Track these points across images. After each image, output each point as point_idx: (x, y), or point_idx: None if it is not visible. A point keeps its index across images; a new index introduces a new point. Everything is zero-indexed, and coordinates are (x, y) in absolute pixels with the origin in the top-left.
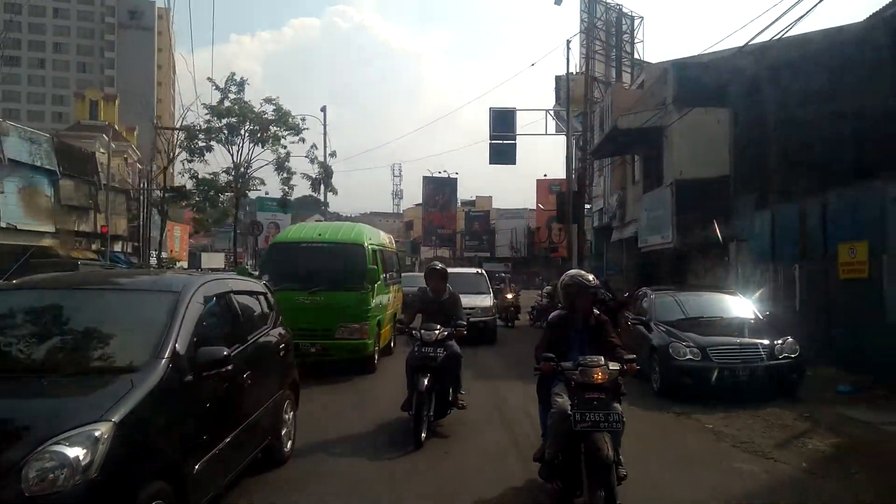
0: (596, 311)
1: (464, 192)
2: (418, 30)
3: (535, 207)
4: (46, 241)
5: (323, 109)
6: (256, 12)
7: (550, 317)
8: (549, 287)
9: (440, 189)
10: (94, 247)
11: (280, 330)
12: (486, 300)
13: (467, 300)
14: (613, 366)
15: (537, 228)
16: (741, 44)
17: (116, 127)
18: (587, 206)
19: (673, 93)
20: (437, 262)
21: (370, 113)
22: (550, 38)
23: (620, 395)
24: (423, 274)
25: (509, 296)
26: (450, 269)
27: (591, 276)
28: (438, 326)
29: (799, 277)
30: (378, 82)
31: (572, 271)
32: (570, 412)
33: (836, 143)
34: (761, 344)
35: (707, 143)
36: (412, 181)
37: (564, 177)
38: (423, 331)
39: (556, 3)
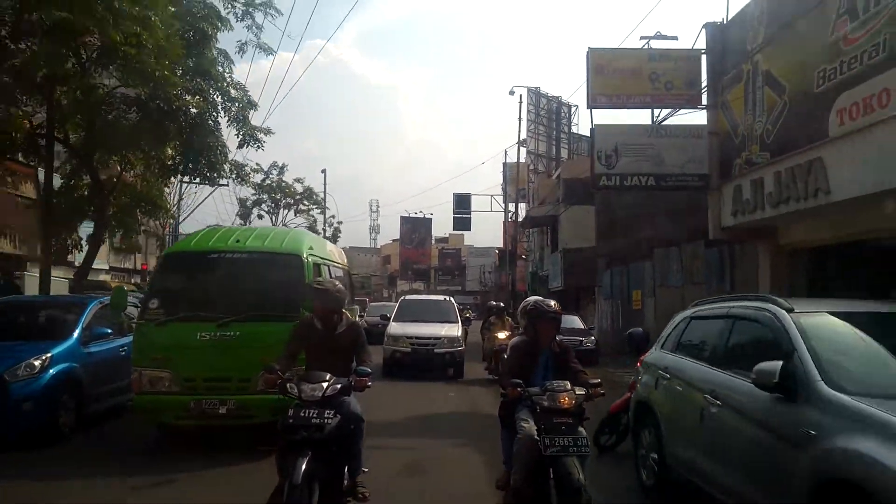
0: (558, 338)
1: (438, 226)
2: (396, 65)
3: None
4: (102, 277)
5: (323, 172)
6: (230, 48)
7: (513, 342)
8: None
9: (416, 228)
10: (133, 280)
11: None
12: (454, 329)
13: (434, 329)
14: (579, 391)
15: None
16: None
17: None
18: (524, 257)
19: (561, 194)
20: (323, 280)
21: (349, 145)
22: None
23: (583, 419)
24: (397, 303)
25: (501, 335)
26: (417, 297)
27: (552, 302)
28: (328, 376)
29: (616, 307)
30: (356, 115)
31: (534, 298)
32: (537, 437)
33: (657, 226)
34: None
35: (582, 226)
36: (389, 214)
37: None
38: (302, 384)
39: (509, 94)
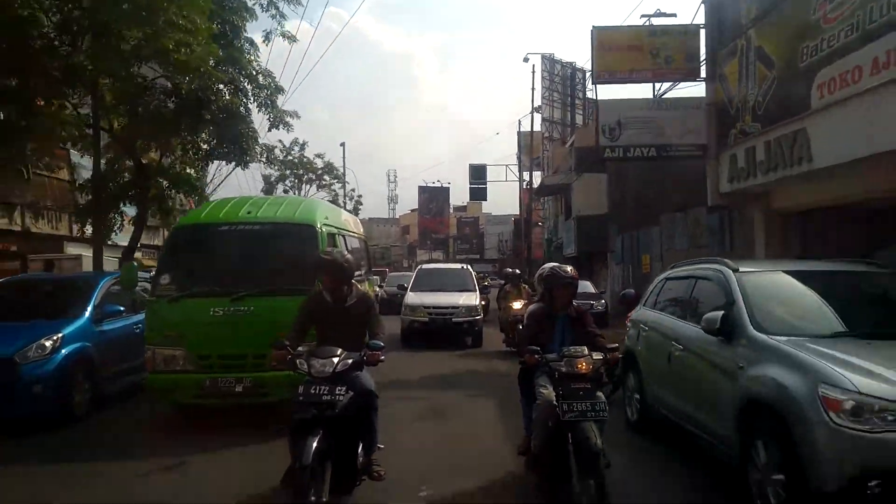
0: (575, 303)
1: (456, 194)
2: (411, 31)
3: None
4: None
5: (342, 145)
6: (255, 36)
7: (530, 309)
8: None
9: (434, 197)
10: None
11: None
12: (472, 298)
13: (451, 298)
14: (597, 355)
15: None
16: None
17: None
18: (539, 224)
19: (573, 163)
20: (331, 250)
21: (366, 114)
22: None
23: (602, 383)
24: (414, 273)
25: (517, 304)
26: (434, 266)
27: (568, 268)
28: (339, 351)
29: (627, 271)
30: (372, 83)
31: (550, 264)
32: (555, 403)
33: (665, 193)
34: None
35: (594, 194)
36: (406, 184)
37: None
38: (312, 359)
39: (524, 61)
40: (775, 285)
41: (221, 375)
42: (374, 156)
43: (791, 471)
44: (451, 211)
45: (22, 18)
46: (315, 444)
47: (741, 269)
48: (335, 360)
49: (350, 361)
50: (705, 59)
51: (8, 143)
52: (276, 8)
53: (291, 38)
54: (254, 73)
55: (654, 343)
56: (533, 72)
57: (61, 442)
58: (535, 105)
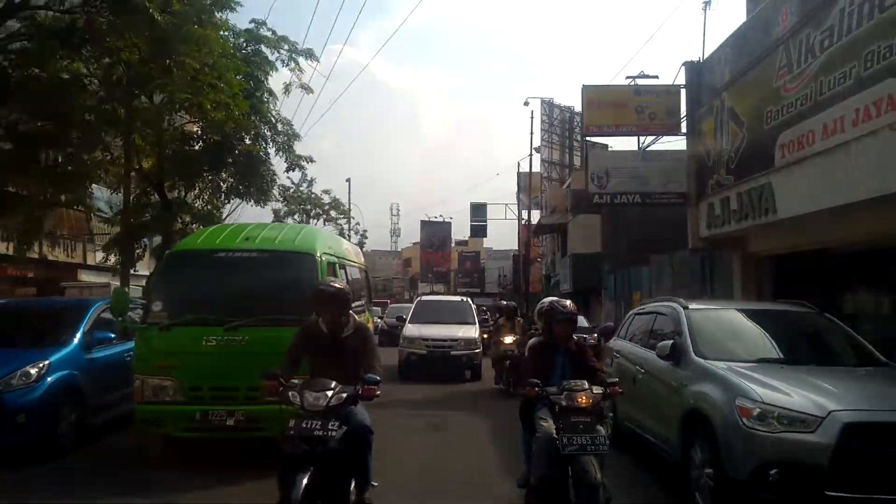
0: (574, 337)
1: (458, 228)
2: (416, 68)
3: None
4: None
5: (348, 181)
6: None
7: (531, 343)
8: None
9: (436, 232)
10: None
11: None
12: (471, 331)
13: (450, 331)
14: (597, 389)
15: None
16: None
17: None
18: (538, 260)
19: (569, 204)
20: (331, 280)
21: (370, 148)
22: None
23: (602, 418)
24: (413, 304)
25: (508, 339)
26: (433, 298)
27: (567, 302)
28: (333, 384)
29: (619, 307)
30: (376, 119)
31: (549, 298)
32: (556, 436)
33: (655, 235)
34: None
35: (589, 233)
36: (408, 219)
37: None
38: (305, 392)
39: (524, 104)
40: (717, 320)
41: (213, 408)
42: (378, 189)
43: (716, 465)
44: (453, 245)
45: (65, 80)
46: (305, 481)
47: (690, 307)
48: (329, 393)
49: (344, 395)
50: (686, 116)
51: (56, 186)
52: (296, 62)
53: (308, 90)
54: (273, 121)
55: (624, 367)
56: (532, 117)
57: (46, 475)
58: (535, 146)
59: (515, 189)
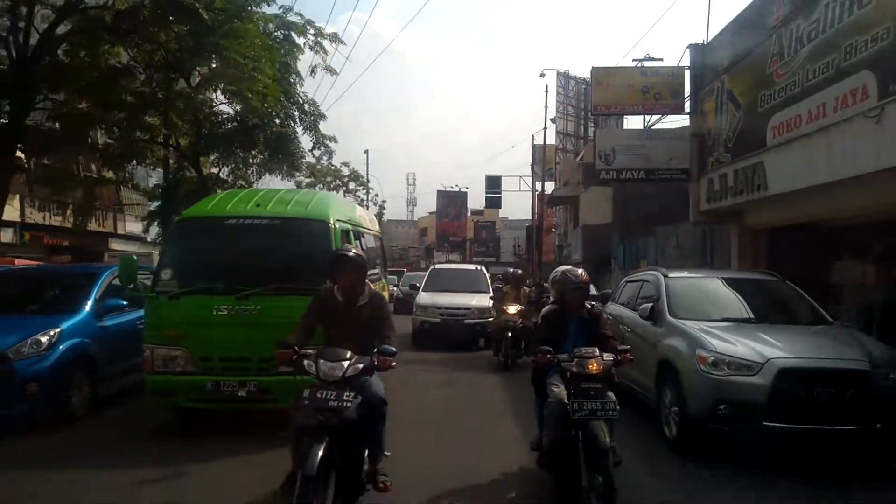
0: (588, 305)
1: (473, 198)
2: (432, 35)
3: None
4: None
5: (366, 153)
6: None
7: (544, 311)
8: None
9: (452, 202)
10: None
11: None
12: (485, 299)
13: (464, 299)
14: (608, 356)
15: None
16: None
17: None
18: (552, 230)
19: (581, 177)
20: (347, 246)
21: (386, 117)
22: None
23: (613, 384)
24: (426, 273)
25: (512, 309)
26: (447, 266)
27: (580, 271)
28: (348, 354)
29: (628, 275)
30: (393, 87)
31: (562, 267)
32: (567, 402)
33: (662, 206)
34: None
35: (599, 205)
36: (425, 188)
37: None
38: (321, 361)
39: (540, 76)
40: (692, 286)
41: (224, 379)
42: (395, 158)
43: (681, 403)
44: (469, 214)
45: (112, 69)
46: (320, 453)
47: (670, 276)
48: (345, 363)
49: (361, 366)
50: (689, 96)
51: (109, 164)
52: (322, 47)
53: (333, 72)
54: (301, 101)
55: (615, 329)
56: (546, 92)
57: (57, 444)
58: (550, 117)
59: (529, 163)
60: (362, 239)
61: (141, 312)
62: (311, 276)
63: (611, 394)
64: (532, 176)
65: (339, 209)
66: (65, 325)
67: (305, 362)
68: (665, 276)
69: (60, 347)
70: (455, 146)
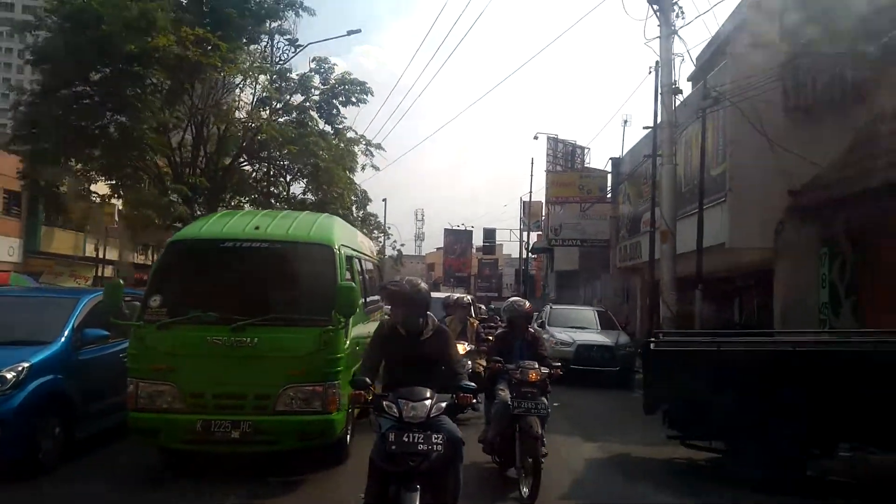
0: (531, 329)
1: (478, 233)
2: (439, 75)
3: (535, 257)
4: None
5: (384, 201)
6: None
7: (497, 333)
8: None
9: (458, 240)
10: None
11: None
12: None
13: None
14: (544, 369)
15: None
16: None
17: None
18: (539, 270)
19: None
20: (410, 278)
21: (392, 152)
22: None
23: (547, 391)
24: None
25: (458, 348)
26: (436, 294)
27: (524, 302)
28: (428, 392)
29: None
30: (399, 119)
31: (512, 299)
32: (509, 403)
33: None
34: None
35: (569, 256)
36: (430, 223)
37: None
38: (401, 401)
39: (534, 138)
40: (563, 310)
41: (216, 418)
42: (403, 194)
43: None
44: (474, 251)
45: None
46: (415, 502)
47: (553, 306)
48: (427, 402)
49: (444, 405)
50: (609, 191)
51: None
52: (371, 152)
53: (376, 169)
54: (356, 190)
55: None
56: (531, 163)
57: (24, 499)
58: (545, 169)
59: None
60: (363, 265)
61: (124, 344)
62: (313, 306)
63: (544, 398)
64: (520, 228)
65: (342, 233)
66: (35, 360)
67: (385, 403)
68: (550, 306)
69: (29, 386)
70: (462, 183)
